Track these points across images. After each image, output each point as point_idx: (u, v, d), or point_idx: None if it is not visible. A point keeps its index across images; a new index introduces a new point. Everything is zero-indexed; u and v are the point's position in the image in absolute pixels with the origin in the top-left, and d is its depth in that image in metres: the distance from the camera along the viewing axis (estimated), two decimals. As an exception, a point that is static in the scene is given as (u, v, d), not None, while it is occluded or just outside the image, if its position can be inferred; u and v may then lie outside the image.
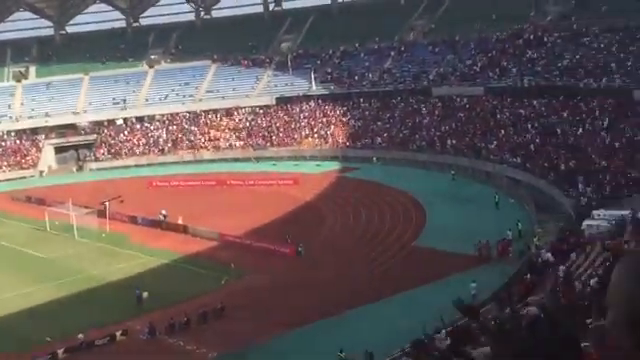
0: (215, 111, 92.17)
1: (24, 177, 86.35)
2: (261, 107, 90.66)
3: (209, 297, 39.82)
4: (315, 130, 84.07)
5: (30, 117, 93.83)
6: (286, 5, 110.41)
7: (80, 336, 35.25)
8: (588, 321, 10.38)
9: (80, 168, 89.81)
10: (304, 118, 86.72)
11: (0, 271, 48.57)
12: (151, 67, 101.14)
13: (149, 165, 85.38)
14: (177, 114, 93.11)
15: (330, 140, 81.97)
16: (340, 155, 78.56)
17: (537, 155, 59.04)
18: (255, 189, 67.64)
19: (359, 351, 29.68)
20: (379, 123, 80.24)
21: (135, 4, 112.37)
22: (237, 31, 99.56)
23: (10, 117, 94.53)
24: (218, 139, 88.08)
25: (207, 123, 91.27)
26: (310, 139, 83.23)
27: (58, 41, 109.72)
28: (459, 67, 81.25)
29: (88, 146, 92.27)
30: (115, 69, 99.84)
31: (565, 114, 63.62)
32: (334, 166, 75.55)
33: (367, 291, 38.85)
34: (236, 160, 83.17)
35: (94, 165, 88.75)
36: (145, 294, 40.36)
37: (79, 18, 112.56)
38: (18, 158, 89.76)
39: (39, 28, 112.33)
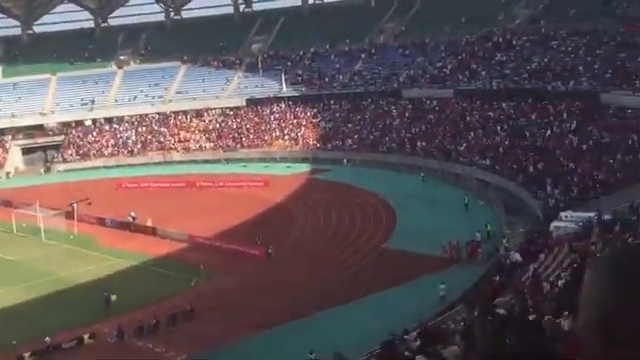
0: (185, 112, 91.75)
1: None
2: (231, 108, 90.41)
3: (178, 299, 39.61)
4: (285, 132, 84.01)
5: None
6: (256, 6, 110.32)
7: (47, 339, 34.80)
8: (557, 321, 10.44)
9: (48, 169, 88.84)
10: (274, 120, 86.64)
11: (-35, 274, 47.91)
12: (120, 68, 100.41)
13: (118, 166, 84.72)
14: (146, 115, 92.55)
15: (300, 142, 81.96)
16: (310, 157, 78.57)
17: (506, 157, 59.50)
18: (225, 191, 67.39)
19: (329, 353, 29.67)
20: (349, 125, 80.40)
21: (104, 4, 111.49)
22: (207, 32, 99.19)
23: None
24: (188, 140, 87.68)
25: (177, 124, 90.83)
26: (280, 141, 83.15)
27: (25, 41, 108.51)
28: (429, 69, 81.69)
29: (56, 147, 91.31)
30: (83, 69, 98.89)
31: (533, 117, 64.22)
32: (304, 168, 75.55)
33: (337, 293, 38.87)
34: (206, 161, 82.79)
35: (62, 166, 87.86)
36: (114, 297, 40.04)
37: (47, 18, 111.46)
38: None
39: (6, 28, 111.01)
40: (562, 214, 41.22)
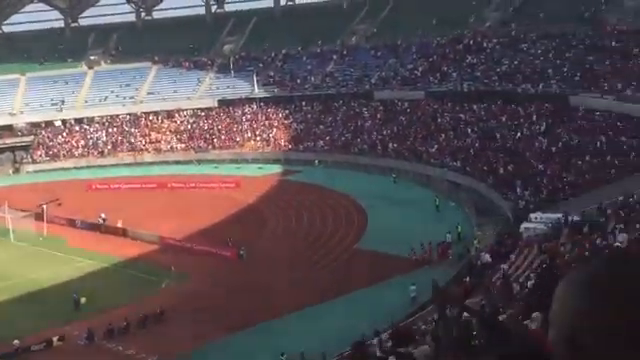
0: (156, 113, 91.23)
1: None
2: (203, 109, 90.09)
3: (149, 301, 39.40)
4: (257, 133, 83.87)
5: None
6: (228, 7, 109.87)
7: (16, 342, 34.47)
8: (525, 322, 10.55)
9: (16, 170, 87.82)
10: (246, 121, 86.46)
11: None
12: (91, 68, 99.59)
13: (88, 167, 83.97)
14: (117, 116, 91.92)
15: (272, 143, 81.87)
16: (282, 158, 78.52)
17: (476, 159, 59.89)
18: (197, 192, 67.09)
19: (301, 354, 29.71)
20: (321, 126, 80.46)
21: (74, 4, 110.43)
22: (179, 32, 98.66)
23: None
24: (159, 141, 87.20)
25: (148, 125, 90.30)
26: (252, 142, 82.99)
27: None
28: (401, 71, 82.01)
29: (25, 148, 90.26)
30: (53, 70, 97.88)
31: (504, 119, 64.72)
32: (276, 169, 75.48)
33: (309, 294, 38.91)
34: (177, 163, 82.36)
35: (31, 167, 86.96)
36: (83, 299, 39.78)
37: (16, 17, 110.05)
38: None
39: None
40: (532, 215, 41.61)
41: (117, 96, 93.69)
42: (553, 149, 55.58)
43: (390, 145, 70.29)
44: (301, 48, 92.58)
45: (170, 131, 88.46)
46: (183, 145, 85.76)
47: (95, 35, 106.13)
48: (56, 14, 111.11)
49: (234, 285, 41.17)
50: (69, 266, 47.63)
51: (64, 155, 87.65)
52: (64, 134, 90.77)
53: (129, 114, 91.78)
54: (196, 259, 46.52)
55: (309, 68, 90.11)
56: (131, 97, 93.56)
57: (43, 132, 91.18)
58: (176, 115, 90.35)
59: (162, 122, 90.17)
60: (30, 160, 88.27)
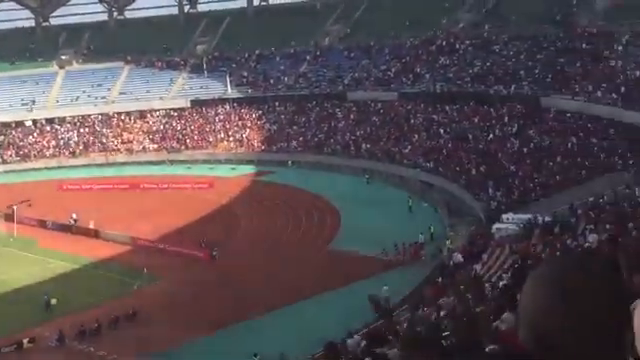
0: (128, 113, 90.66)
1: None
2: (175, 110, 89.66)
3: (121, 302, 39.17)
4: (230, 133, 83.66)
5: None
6: (201, 7, 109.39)
7: (-15, 344, 34.17)
8: (495, 323, 10.62)
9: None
10: (219, 121, 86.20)
11: None
12: (62, 68, 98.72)
13: (59, 168, 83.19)
14: (89, 116, 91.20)
15: (245, 143, 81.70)
16: (255, 159, 78.37)
17: (449, 160, 60.23)
18: (169, 192, 66.79)
19: (274, 354, 29.64)
20: (294, 127, 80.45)
21: (45, 3, 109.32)
22: (151, 32, 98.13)
23: None
24: (131, 142, 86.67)
25: (120, 125, 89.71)
26: (225, 142, 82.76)
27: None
28: (374, 72, 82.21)
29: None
30: (24, 69, 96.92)
31: (476, 120, 65.15)
32: (249, 170, 75.35)
33: (282, 294, 38.86)
34: (150, 163, 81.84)
35: (1, 167, 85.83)
36: (53, 300, 39.42)
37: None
38: None
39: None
40: (504, 216, 41.97)
41: (89, 96, 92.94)
42: (525, 150, 56.05)
43: (363, 146, 70.47)
44: (274, 49, 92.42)
45: (142, 131, 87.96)
46: (155, 145, 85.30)
47: (66, 34, 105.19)
48: (27, 13, 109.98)
49: (207, 286, 41.03)
50: (40, 267, 47.18)
51: (35, 155, 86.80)
52: (35, 134, 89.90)
53: (101, 114, 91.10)
54: (169, 260, 46.33)
55: (282, 69, 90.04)
56: (103, 97, 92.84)
57: (13, 132, 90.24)
58: (148, 115, 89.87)
59: (134, 122, 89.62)
60: (0, 160, 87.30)
